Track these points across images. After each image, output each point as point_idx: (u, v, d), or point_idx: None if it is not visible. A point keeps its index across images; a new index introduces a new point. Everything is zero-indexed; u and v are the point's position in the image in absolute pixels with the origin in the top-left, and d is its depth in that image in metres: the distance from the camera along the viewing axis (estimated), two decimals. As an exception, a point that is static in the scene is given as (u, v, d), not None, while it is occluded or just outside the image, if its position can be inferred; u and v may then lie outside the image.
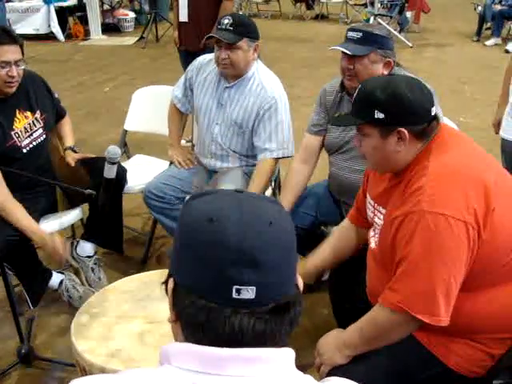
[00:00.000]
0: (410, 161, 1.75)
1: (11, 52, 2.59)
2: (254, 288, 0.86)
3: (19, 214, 2.58)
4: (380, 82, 1.76)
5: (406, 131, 1.70)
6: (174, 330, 0.96)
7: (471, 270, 1.65)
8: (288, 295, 0.91)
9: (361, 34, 2.43)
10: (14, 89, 2.69)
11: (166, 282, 0.96)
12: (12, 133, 2.74)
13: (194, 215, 0.92)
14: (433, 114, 1.73)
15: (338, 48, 2.45)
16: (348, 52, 2.43)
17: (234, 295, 0.86)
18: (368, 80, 1.87)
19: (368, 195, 2.01)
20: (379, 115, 1.70)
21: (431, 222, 1.60)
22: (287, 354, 0.92)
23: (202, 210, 0.92)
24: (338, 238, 2.24)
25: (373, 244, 1.93)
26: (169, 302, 0.95)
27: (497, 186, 1.66)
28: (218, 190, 1.01)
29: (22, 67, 2.67)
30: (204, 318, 0.87)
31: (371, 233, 1.96)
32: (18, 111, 2.78)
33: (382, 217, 1.86)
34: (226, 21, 2.79)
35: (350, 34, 2.47)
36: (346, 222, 2.24)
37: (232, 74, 2.91)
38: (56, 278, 2.92)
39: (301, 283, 0.95)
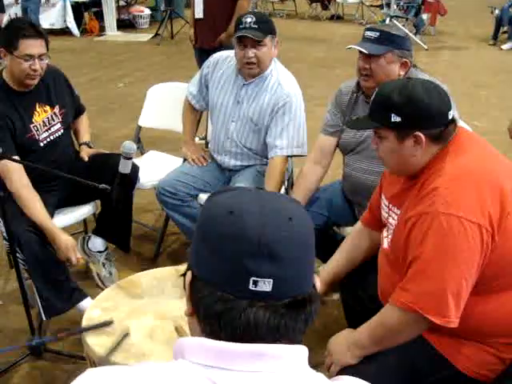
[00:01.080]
0: (426, 163, 1.74)
1: (36, 46, 2.61)
2: (271, 281, 0.87)
3: (34, 206, 2.61)
4: (397, 86, 1.75)
5: (422, 135, 1.70)
6: (191, 324, 0.97)
7: (483, 274, 1.64)
8: (305, 292, 0.91)
9: (378, 33, 2.43)
10: (35, 81, 2.71)
11: (184, 275, 0.97)
12: (31, 126, 2.76)
13: (214, 209, 0.94)
14: (450, 117, 1.73)
15: (355, 47, 2.45)
16: (364, 51, 2.42)
17: (251, 287, 0.87)
18: (385, 83, 1.86)
19: (383, 195, 2.00)
20: (396, 118, 1.70)
21: (445, 223, 1.59)
22: (300, 351, 0.92)
23: (222, 203, 0.93)
24: (352, 246, 2.23)
25: (385, 244, 1.93)
26: (186, 294, 0.96)
27: None
28: (240, 187, 1.01)
29: (46, 61, 2.69)
30: (220, 309, 0.88)
31: (384, 233, 1.95)
32: (37, 105, 2.80)
33: (396, 217, 1.85)
34: (248, 19, 2.77)
35: (368, 33, 2.47)
36: (358, 226, 2.23)
37: (256, 73, 2.90)
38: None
39: (318, 284, 0.96)
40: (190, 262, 0.96)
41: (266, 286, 0.87)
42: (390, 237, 1.89)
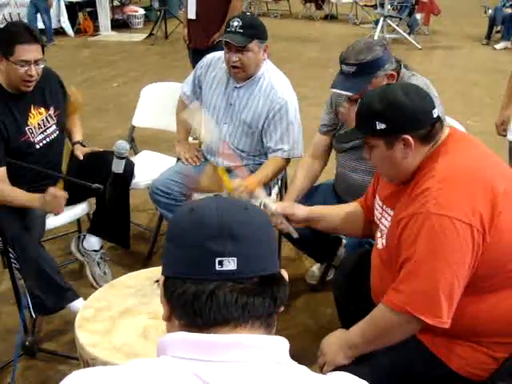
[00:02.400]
0: (418, 164, 1.75)
1: (31, 51, 2.59)
2: (235, 259, 0.94)
3: (15, 193, 2.62)
4: (376, 93, 1.77)
5: (410, 137, 1.70)
6: (169, 329, 1.01)
7: (476, 274, 1.65)
8: (269, 272, 0.98)
9: (355, 67, 2.32)
10: (31, 88, 2.70)
11: (158, 281, 1.03)
12: (26, 128, 2.75)
13: (178, 213, 1.04)
14: (435, 115, 1.73)
15: (338, 91, 2.39)
16: (349, 94, 2.37)
17: (218, 267, 0.93)
18: (366, 94, 1.88)
19: (377, 196, 2.01)
20: (381, 126, 1.71)
21: (436, 224, 1.60)
22: (280, 343, 0.96)
23: (184, 207, 1.04)
24: (351, 209, 2.24)
25: (379, 245, 1.93)
26: (161, 298, 1.01)
27: (505, 191, 1.66)
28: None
29: (42, 66, 2.67)
30: (192, 294, 0.94)
31: (378, 234, 1.96)
32: (32, 107, 2.79)
33: (389, 218, 1.86)
34: (235, 23, 2.77)
35: (344, 68, 2.36)
36: (355, 206, 2.24)
37: (243, 76, 2.91)
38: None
39: (286, 276, 1.02)
40: (162, 270, 1.02)
41: (230, 264, 0.94)
42: (383, 237, 1.90)
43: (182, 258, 0.96)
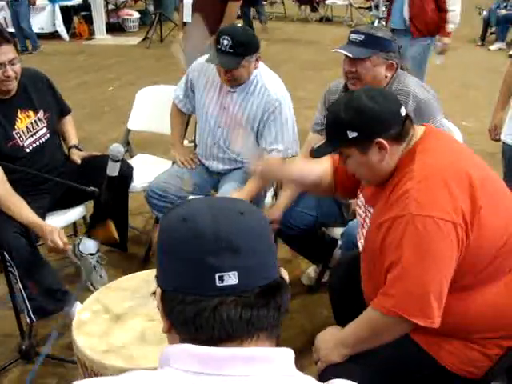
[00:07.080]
0: (395, 164, 1.76)
1: (3, 53, 2.56)
2: (236, 273, 0.89)
3: (17, 207, 2.58)
4: (342, 103, 1.77)
5: (383, 140, 1.71)
6: (170, 340, 0.98)
7: (460, 271, 1.66)
8: (271, 280, 0.93)
9: (363, 36, 2.43)
10: (12, 86, 2.68)
11: (155, 293, 0.99)
12: (14, 133, 2.74)
13: (169, 221, 0.97)
14: (403, 114, 1.74)
15: (340, 51, 2.46)
16: (349, 55, 2.44)
17: (218, 283, 0.89)
18: (331, 105, 1.89)
19: (360, 196, 2.02)
20: (352, 134, 1.72)
21: (420, 225, 1.61)
22: (286, 354, 0.93)
23: (175, 214, 0.97)
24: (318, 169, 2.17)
25: (360, 247, 1.96)
26: (159, 311, 0.97)
27: (483, 185, 1.67)
28: (190, 199, 1.04)
29: (18, 65, 2.64)
30: (193, 312, 0.90)
31: (361, 235, 1.97)
32: (19, 111, 2.78)
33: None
34: (225, 41, 2.72)
35: (353, 36, 2.47)
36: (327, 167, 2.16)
37: (236, 85, 2.90)
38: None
39: (285, 275, 0.98)
40: (157, 281, 0.98)
41: (231, 279, 0.89)
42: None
43: (179, 272, 0.92)
